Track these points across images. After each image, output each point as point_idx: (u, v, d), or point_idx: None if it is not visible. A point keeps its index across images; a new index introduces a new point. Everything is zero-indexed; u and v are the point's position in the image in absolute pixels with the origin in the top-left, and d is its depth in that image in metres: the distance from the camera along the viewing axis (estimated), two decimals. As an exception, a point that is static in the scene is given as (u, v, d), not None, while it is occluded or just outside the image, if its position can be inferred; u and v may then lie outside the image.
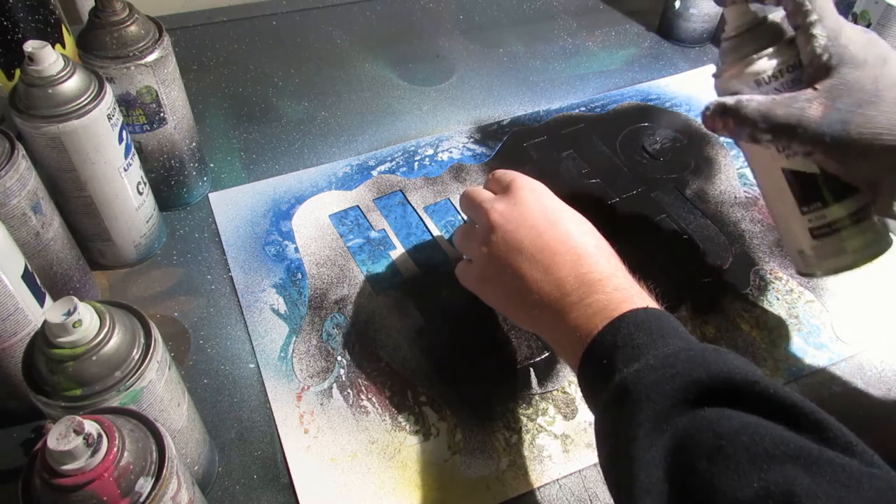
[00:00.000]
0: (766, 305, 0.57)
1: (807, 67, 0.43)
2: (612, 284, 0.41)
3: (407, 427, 0.49)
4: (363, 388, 0.51)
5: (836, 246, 0.45)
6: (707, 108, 0.45)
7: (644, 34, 0.87)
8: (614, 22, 0.89)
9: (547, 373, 0.52)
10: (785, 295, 0.58)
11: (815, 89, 0.42)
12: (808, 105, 0.41)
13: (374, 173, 0.67)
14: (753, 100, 0.43)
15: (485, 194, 0.49)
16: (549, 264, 0.43)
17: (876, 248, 0.45)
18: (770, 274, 0.60)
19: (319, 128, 0.72)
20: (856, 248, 0.45)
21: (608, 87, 0.78)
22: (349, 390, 0.51)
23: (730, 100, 0.44)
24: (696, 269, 0.60)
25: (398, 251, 0.60)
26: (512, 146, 0.70)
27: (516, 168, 0.67)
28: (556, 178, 0.67)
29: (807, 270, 0.47)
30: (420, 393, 0.51)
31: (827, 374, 0.53)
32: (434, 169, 0.68)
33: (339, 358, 0.53)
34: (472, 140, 0.71)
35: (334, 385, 0.51)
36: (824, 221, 0.45)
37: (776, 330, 0.56)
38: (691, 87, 0.78)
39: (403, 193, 0.65)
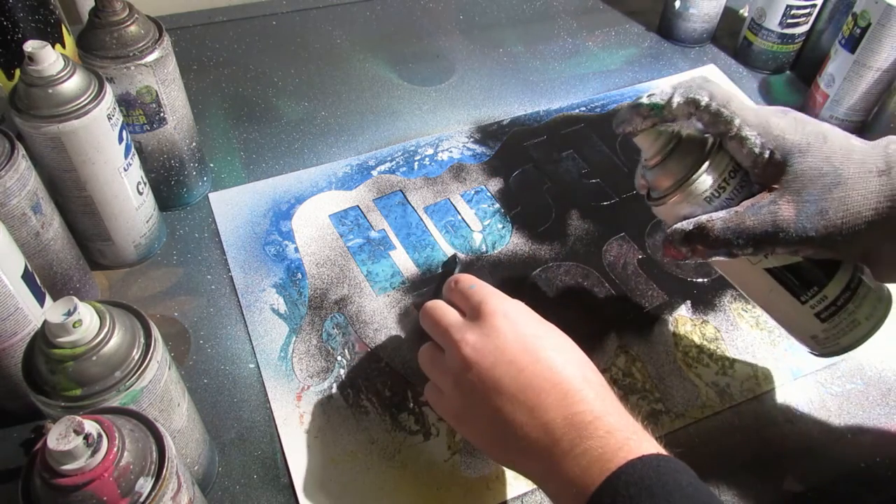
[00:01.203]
0: (766, 305, 0.57)
1: (751, 169, 0.41)
2: (605, 426, 0.37)
3: (407, 427, 0.49)
4: (363, 388, 0.51)
5: (848, 320, 0.43)
6: (667, 240, 0.43)
7: (644, 34, 0.87)
8: (614, 22, 0.89)
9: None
10: (785, 295, 0.58)
11: (774, 189, 0.40)
12: (777, 207, 0.40)
13: (374, 173, 0.67)
14: (716, 218, 0.41)
15: (451, 317, 0.43)
16: (534, 405, 0.38)
17: (884, 307, 0.44)
18: (770, 274, 0.60)
19: (319, 128, 0.72)
20: (867, 314, 0.43)
21: (608, 87, 0.78)
22: (349, 390, 0.51)
23: (687, 225, 0.42)
24: (696, 270, 0.60)
25: (398, 251, 0.60)
26: (512, 146, 0.70)
27: (516, 167, 0.68)
28: (557, 178, 0.67)
29: (826, 352, 0.45)
30: (420, 393, 0.51)
31: (827, 375, 0.53)
32: (434, 169, 0.68)
33: (339, 358, 0.53)
34: (472, 140, 0.71)
35: (334, 385, 0.51)
36: (827, 302, 0.43)
37: (776, 330, 0.56)
38: (691, 87, 0.78)
39: (403, 193, 0.65)
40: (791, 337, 0.47)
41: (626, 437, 0.36)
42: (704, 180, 0.42)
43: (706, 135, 0.43)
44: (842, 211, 0.39)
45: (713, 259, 0.43)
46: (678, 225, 0.42)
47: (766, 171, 0.41)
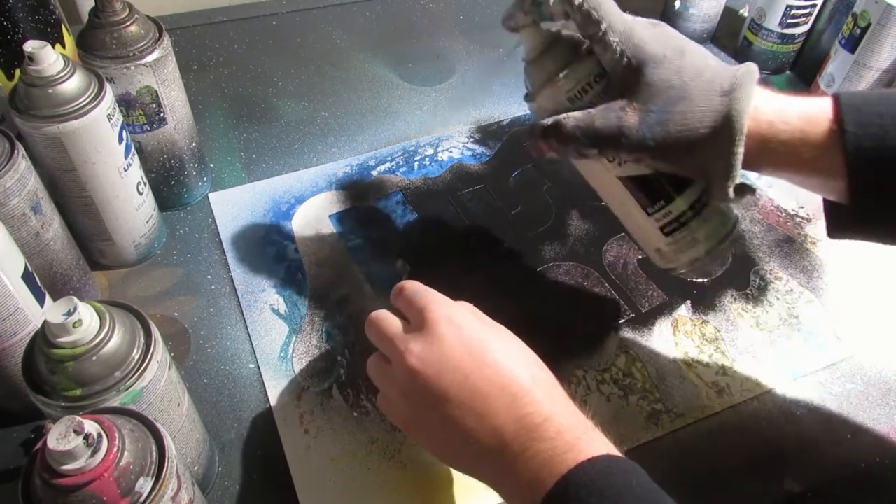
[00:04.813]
0: (766, 305, 0.57)
1: (612, 74, 0.43)
2: (555, 427, 0.37)
3: (407, 427, 0.49)
4: (363, 388, 0.51)
5: (688, 238, 0.45)
6: (530, 132, 0.45)
7: (644, 34, 0.87)
8: (614, 22, 0.89)
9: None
10: (785, 295, 0.58)
11: (626, 96, 0.42)
12: (624, 113, 0.41)
13: (374, 173, 0.67)
14: (571, 117, 0.43)
15: (394, 326, 0.43)
16: (483, 411, 0.38)
17: (723, 230, 0.46)
18: (770, 274, 0.60)
19: (319, 128, 0.72)
20: (707, 234, 0.45)
21: (608, 87, 0.78)
22: (349, 390, 0.51)
23: (548, 121, 0.44)
24: (696, 270, 0.60)
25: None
26: (512, 146, 0.70)
27: (516, 167, 0.68)
28: (557, 178, 0.67)
29: (668, 266, 0.48)
30: (420, 393, 0.51)
31: (827, 375, 0.53)
32: (434, 169, 0.68)
33: (339, 358, 0.53)
34: (472, 140, 0.71)
35: (334, 385, 0.51)
36: (671, 217, 0.45)
37: (776, 330, 0.56)
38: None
39: (403, 193, 0.65)
40: (642, 249, 0.49)
41: (575, 437, 0.36)
42: (570, 79, 0.44)
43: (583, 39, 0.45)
44: (680, 124, 0.40)
45: (576, 162, 0.46)
46: (542, 121, 0.45)
47: (623, 78, 0.42)
